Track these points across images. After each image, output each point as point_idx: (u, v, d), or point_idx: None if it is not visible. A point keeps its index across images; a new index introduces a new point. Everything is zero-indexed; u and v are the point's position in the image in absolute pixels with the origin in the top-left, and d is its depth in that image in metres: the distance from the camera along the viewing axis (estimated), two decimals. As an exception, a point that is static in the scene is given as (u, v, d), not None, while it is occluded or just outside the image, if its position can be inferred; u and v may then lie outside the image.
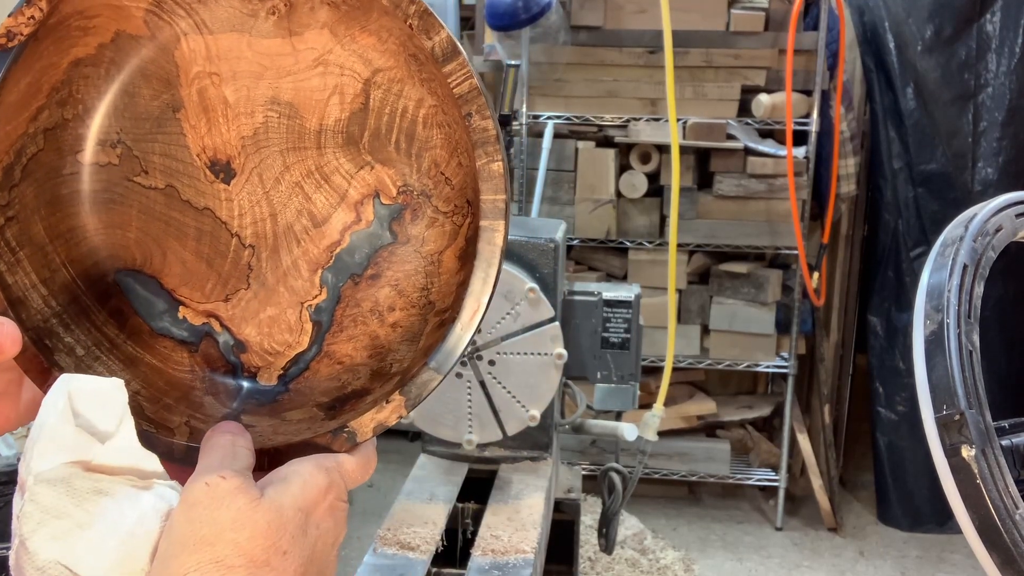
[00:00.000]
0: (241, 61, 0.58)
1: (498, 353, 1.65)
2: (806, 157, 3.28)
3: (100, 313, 0.61)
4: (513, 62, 2.32)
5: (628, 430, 1.89)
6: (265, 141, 0.59)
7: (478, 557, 1.41)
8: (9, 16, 0.54)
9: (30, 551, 0.45)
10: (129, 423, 0.49)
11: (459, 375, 1.64)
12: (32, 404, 0.57)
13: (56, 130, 0.58)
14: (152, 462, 0.49)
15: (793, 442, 3.51)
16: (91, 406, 0.48)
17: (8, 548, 1.42)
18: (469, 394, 1.67)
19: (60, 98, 0.58)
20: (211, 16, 0.57)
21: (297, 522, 0.49)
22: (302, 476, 0.51)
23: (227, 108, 0.58)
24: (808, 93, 3.28)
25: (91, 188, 0.59)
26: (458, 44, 0.53)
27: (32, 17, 0.53)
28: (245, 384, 0.62)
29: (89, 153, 0.59)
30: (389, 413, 0.56)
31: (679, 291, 3.43)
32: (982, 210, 0.85)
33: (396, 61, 0.57)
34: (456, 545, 1.59)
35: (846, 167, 3.39)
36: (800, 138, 3.25)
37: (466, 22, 4.00)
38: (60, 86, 0.58)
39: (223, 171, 0.59)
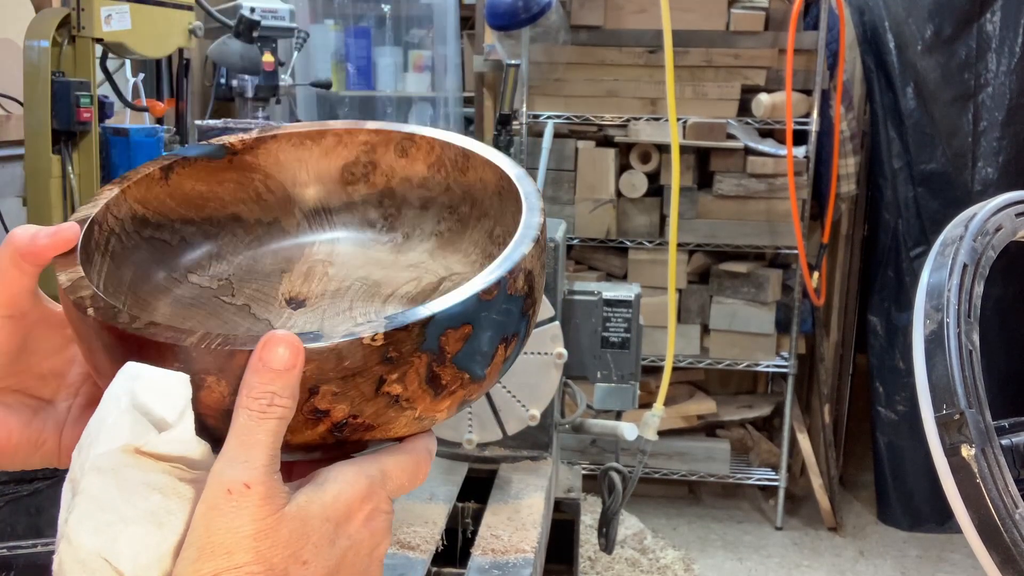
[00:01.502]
0: (352, 259, 0.68)
1: (498, 353, 1.64)
2: (806, 157, 3.28)
3: None
4: (513, 62, 2.32)
5: (628, 430, 1.89)
6: (343, 295, 0.66)
7: (478, 557, 1.41)
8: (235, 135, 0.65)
9: (73, 543, 0.45)
10: (190, 417, 0.48)
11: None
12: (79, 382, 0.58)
13: (187, 243, 0.65)
14: (205, 451, 0.48)
15: (793, 442, 3.51)
16: (154, 396, 0.47)
17: (7, 548, 1.42)
18: (469, 394, 1.67)
19: (206, 230, 0.65)
20: (344, 234, 0.69)
21: (323, 532, 0.47)
22: (339, 483, 0.48)
23: (326, 278, 0.67)
24: (808, 93, 3.28)
25: (180, 292, 0.64)
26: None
27: (241, 140, 0.65)
28: None
29: (196, 277, 0.65)
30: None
31: (679, 291, 3.43)
32: (982, 210, 0.85)
33: (472, 268, 0.65)
34: (456, 545, 1.59)
35: (846, 167, 3.39)
36: (800, 138, 3.25)
37: (466, 22, 4.00)
38: (213, 222, 0.66)
39: (297, 305, 0.66)
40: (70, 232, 0.55)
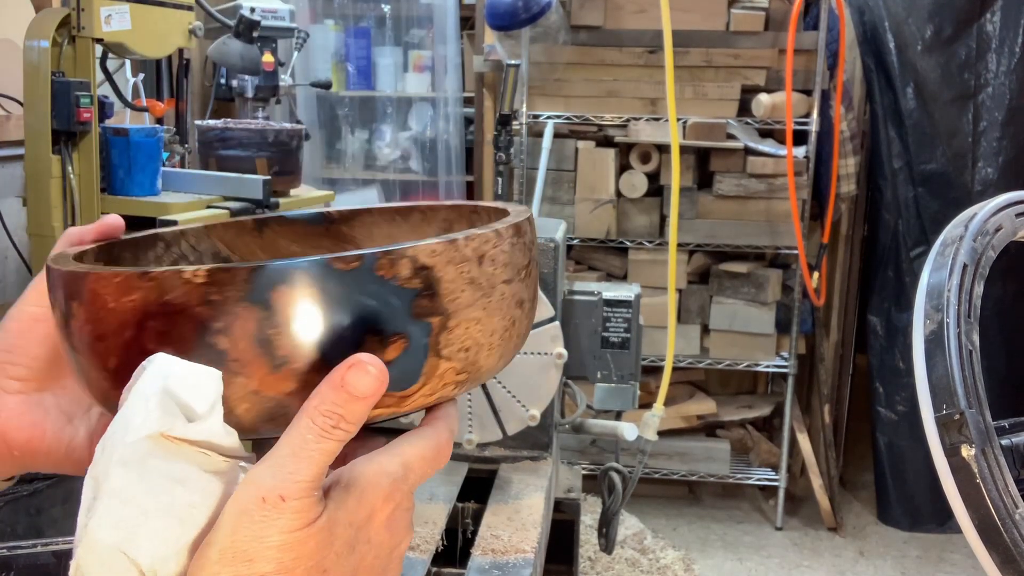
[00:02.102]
0: None
1: (498, 353, 1.64)
2: (806, 157, 3.28)
3: None
4: (513, 62, 2.32)
5: (628, 430, 1.89)
6: None
7: (478, 557, 1.41)
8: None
9: (92, 539, 0.44)
10: (219, 411, 0.47)
11: (459, 375, 1.64)
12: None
13: None
14: (233, 439, 0.47)
15: (793, 442, 3.51)
16: (184, 388, 0.46)
17: (7, 548, 1.42)
18: (469, 394, 1.67)
19: None
20: None
21: (345, 539, 0.46)
22: (360, 486, 0.47)
23: None
24: (808, 93, 3.28)
25: None
26: None
27: (339, 212, 0.69)
28: None
29: None
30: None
31: (679, 291, 3.43)
32: (982, 210, 0.85)
33: None
34: (456, 545, 1.59)
35: (846, 167, 3.39)
36: (800, 138, 3.25)
37: (466, 22, 4.00)
38: None
39: None
40: (114, 221, 0.56)
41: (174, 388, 0.46)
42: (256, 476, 0.44)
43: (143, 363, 0.47)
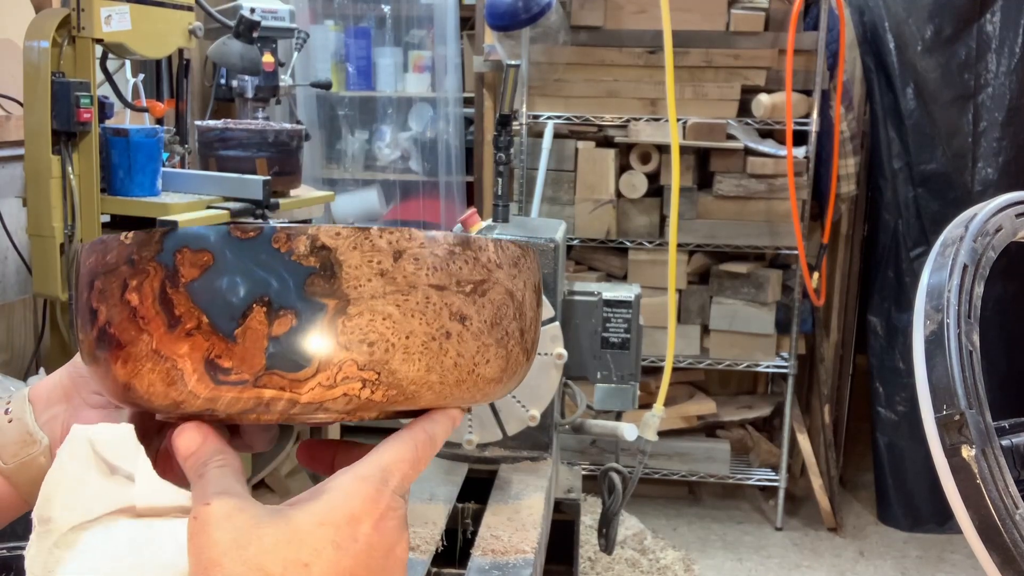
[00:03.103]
0: None
1: (498, 353, 1.64)
2: (806, 157, 3.28)
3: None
4: (513, 62, 2.31)
5: (628, 430, 1.89)
6: None
7: (478, 557, 1.41)
8: None
9: None
10: (144, 459, 0.50)
11: (459, 375, 1.64)
12: None
13: None
14: (182, 496, 0.51)
15: (793, 442, 3.51)
16: (110, 451, 0.50)
17: (7, 549, 1.41)
18: (469, 394, 1.67)
19: None
20: None
21: (322, 536, 0.47)
22: (334, 491, 0.49)
23: None
24: (808, 93, 3.28)
25: None
26: None
27: None
28: None
29: None
30: None
31: (679, 291, 3.43)
32: (982, 210, 0.84)
33: None
34: (456, 545, 1.59)
35: (846, 167, 3.39)
36: (800, 138, 3.25)
37: (466, 22, 4.00)
38: None
39: None
40: None
41: (102, 452, 0.51)
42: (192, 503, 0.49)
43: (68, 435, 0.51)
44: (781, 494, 3.46)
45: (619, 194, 3.39)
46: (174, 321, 0.48)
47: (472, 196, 3.92)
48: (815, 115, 3.26)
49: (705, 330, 3.50)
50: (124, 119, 2.79)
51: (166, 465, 0.57)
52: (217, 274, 0.47)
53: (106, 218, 2.24)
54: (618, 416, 2.03)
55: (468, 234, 0.53)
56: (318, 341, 0.48)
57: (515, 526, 1.51)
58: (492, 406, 1.70)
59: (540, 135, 3.28)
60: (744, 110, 3.33)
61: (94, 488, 0.49)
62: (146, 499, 0.50)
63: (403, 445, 0.52)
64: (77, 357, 0.59)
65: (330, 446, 0.60)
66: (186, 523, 0.48)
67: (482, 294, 0.52)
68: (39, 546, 0.48)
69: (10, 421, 0.60)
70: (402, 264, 0.49)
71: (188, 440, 0.51)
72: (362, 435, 1.44)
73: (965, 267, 0.80)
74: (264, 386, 0.48)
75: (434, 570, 1.44)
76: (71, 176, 2.09)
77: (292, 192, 2.63)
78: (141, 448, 0.51)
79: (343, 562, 0.47)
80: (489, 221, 1.92)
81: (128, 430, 0.51)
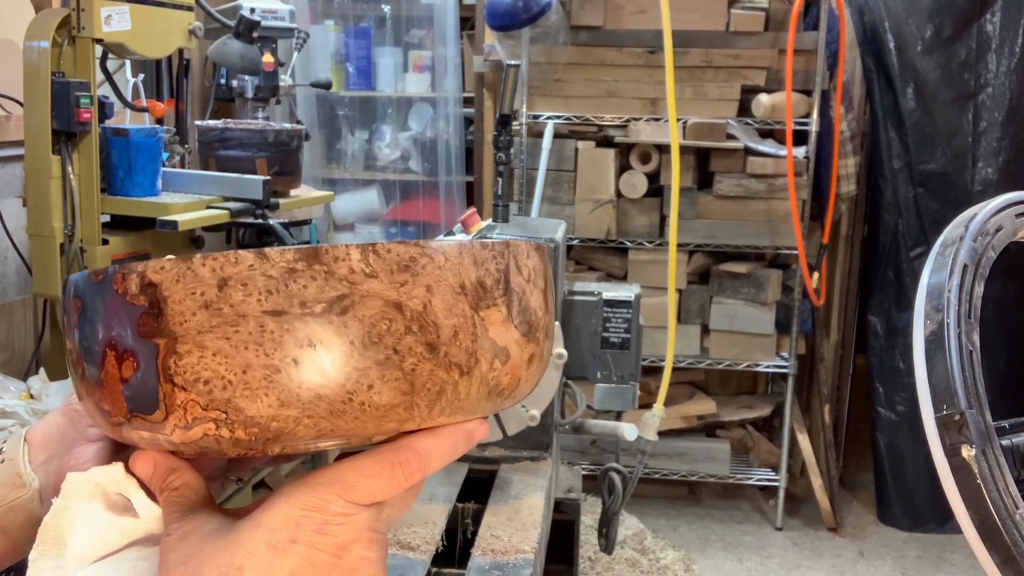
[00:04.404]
0: None
1: (498, 353, 1.64)
2: (806, 157, 3.28)
3: None
4: (513, 62, 2.31)
5: (628, 430, 1.88)
6: None
7: (478, 557, 1.41)
8: None
9: None
10: (137, 490, 0.53)
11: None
12: None
13: None
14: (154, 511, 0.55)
15: (793, 442, 3.51)
16: (115, 488, 0.53)
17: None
18: (469, 394, 1.67)
19: None
20: None
21: (255, 538, 0.48)
22: (274, 498, 0.50)
23: None
24: (808, 93, 3.28)
25: None
26: None
27: None
28: None
29: None
30: None
31: (679, 291, 3.43)
32: (982, 210, 0.84)
33: None
34: (456, 545, 1.59)
35: (846, 167, 3.39)
36: (800, 138, 3.25)
37: (466, 22, 4.00)
38: None
39: None
40: None
41: (110, 490, 0.53)
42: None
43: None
44: (781, 494, 3.46)
45: (619, 194, 3.39)
46: (73, 363, 0.50)
47: (472, 196, 3.92)
48: (815, 115, 3.26)
49: (705, 330, 3.50)
50: (124, 119, 2.79)
51: None
52: (84, 320, 0.48)
53: (106, 218, 2.23)
54: (618, 416, 2.03)
55: (320, 245, 0.47)
56: (159, 384, 0.45)
57: (515, 526, 1.51)
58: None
59: (540, 135, 3.28)
60: (744, 110, 3.33)
61: (105, 523, 0.51)
62: (149, 528, 0.52)
63: (369, 460, 0.51)
64: (72, 395, 0.60)
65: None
66: None
67: (342, 312, 0.45)
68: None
69: (2, 461, 0.60)
70: (227, 293, 0.45)
71: (141, 468, 0.53)
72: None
73: (965, 267, 0.80)
74: (137, 428, 0.47)
75: (434, 570, 1.44)
76: (71, 176, 2.09)
77: (292, 192, 2.63)
78: (134, 480, 0.52)
79: (279, 563, 0.47)
80: (489, 221, 1.92)
81: (118, 468, 0.52)
